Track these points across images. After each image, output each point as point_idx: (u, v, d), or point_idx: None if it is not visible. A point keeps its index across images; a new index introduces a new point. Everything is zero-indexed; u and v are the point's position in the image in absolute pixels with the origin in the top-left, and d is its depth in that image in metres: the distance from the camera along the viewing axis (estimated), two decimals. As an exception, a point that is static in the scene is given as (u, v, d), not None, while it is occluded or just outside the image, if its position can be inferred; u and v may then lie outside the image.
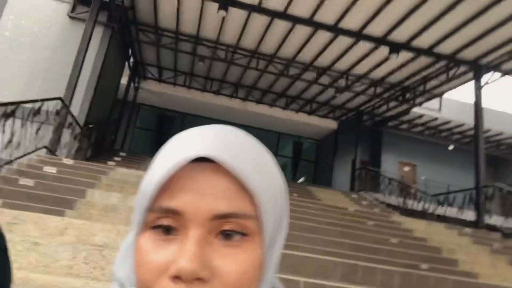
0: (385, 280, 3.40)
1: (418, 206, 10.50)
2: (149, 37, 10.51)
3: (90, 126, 8.40)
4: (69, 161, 5.96)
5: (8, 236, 2.29)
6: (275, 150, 16.30)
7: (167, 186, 0.41)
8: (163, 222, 0.41)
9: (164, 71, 13.37)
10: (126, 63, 11.85)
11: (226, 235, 0.41)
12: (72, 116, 7.21)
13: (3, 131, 4.79)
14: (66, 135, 7.06)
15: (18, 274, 1.78)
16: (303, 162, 17.19)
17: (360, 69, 10.63)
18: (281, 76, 11.69)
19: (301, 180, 16.61)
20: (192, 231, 0.40)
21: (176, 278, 0.38)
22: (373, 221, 6.37)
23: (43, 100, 5.89)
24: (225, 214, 0.40)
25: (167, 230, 0.41)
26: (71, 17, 8.69)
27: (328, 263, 3.41)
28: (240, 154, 0.43)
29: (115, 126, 12.61)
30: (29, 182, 4.29)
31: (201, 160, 0.42)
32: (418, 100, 11.79)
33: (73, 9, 8.74)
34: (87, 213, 3.67)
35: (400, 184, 12.18)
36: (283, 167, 16.63)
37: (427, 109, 13.60)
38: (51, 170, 5.09)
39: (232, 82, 13.48)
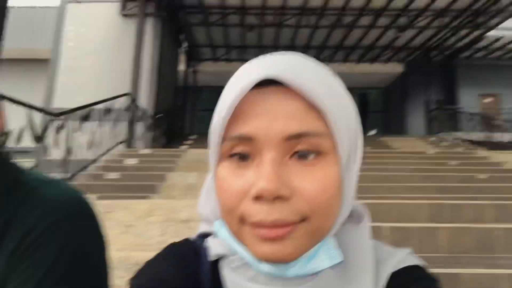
0: (477, 215, 3.20)
1: (505, 137, 9.61)
2: (198, 18, 10.63)
3: (159, 116, 8.85)
4: (146, 151, 6.38)
5: (105, 223, 2.52)
6: (341, 106, 15.80)
7: (237, 113, 0.41)
8: (238, 150, 0.42)
9: (216, 49, 13.51)
10: (180, 49, 12.16)
11: (301, 155, 0.41)
12: (141, 109, 7.65)
13: (84, 133, 5.23)
14: (139, 128, 7.53)
15: (118, 254, 1.96)
16: (372, 114, 16.54)
17: (421, 1, 9.75)
18: (335, 28, 11.19)
19: (372, 132, 16.05)
20: (266, 154, 0.40)
21: (258, 198, 0.39)
22: (457, 160, 5.98)
23: (112, 98, 6.30)
24: (297, 134, 0.40)
25: (243, 157, 0.42)
26: (123, 15, 9.07)
27: (412, 206, 3.29)
28: (308, 74, 0.42)
29: (181, 112, 13.16)
30: (115, 175, 4.69)
31: (269, 84, 0.42)
32: (492, 22, 10.56)
33: (123, 7, 9.09)
34: (170, 194, 3.94)
35: (482, 117, 11.22)
36: (352, 122, 16.10)
37: (505, 30, 12.14)
38: (131, 161, 5.50)
39: (285, 46, 13.20)
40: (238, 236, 0.44)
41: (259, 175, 0.40)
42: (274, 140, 0.40)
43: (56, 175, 4.51)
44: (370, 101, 15.61)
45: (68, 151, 4.76)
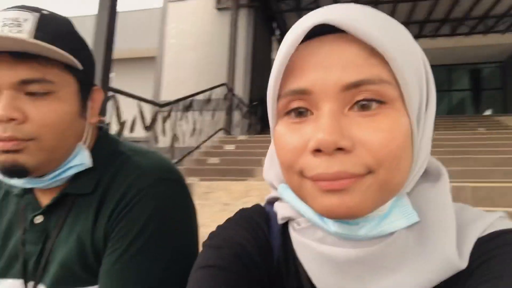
0: None
1: None
2: (289, 4, 10.60)
3: (254, 103, 9.09)
4: (243, 137, 6.62)
5: (205, 202, 2.67)
6: (448, 85, 14.44)
7: (292, 67, 0.40)
8: (294, 105, 0.40)
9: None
10: (273, 37, 12.28)
11: (362, 105, 0.38)
12: (238, 97, 7.95)
13: (187, 122, 5.62)
14: (236, 116, 7.84)
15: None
16: (486, 92, 14.75)
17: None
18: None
19: (487, 112, 14.33)
20: (324, 106, 0.38)
21: (317, 151, 0.37)
22: None
23: (211, 88, 6.65)
24: (356, 82, 0.37)
25: (300, 113, 0.40)
26: (218, 9, 9.46)
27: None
28: (367, 18, 0.38)
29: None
30: (215, 160, 4.97)
31: (325, 34, 0.39)
32: None
33: (218, 1, 9.47)
34: (265, 178, 4.04)
35: None
36: (461, 103, 14.63)
37: None
38: (230, 147, 5.77)
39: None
40: (299, 192, 0.42)
41: (317, 128, 0.37)
42: (331, 91, 0.38)
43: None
44: (483, 78, 13.93)
45: (174, 138, 5.17)
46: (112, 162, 0.70)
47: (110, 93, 3.75)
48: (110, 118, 3.82)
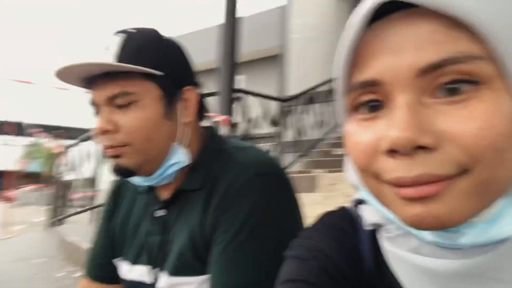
0: None
1: None
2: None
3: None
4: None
5: (330, 193, 2.69)
6: None
7: (358, 55, 0.35)
8: (364, 99, 0.36)
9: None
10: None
11: (448, 89, 0.32)
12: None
13: (311, 115, 5.67)
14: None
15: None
16: None
17: None
18: None
19: None
20: (397, 97, 0.33)
21: (392, 152, 0.32)
22: None
23: (332, 80, 6.57)
24: (435, 63, 0.31)
25: (372, 107, 0.35)
26: (338, -1, 9.25)
27: None
28: None
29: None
30: (340, 151, 4.90)
31: (391, 12, 0.34)
32: None
33: (338, -10, 9.27)
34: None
35: None
36: None
37: None
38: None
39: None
40: (379, 198, 0.37)
41: (391, 125, 0.32)
42: (405, 78, 0.32)
43: (290, 154, 5.10)
44: None
45: (299, 132, 5.27)
46: (217, 159, 0.76)
47: (237, 95, 4.03)
48: (238, 117, 4.11)
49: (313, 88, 5.77)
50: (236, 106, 3.99)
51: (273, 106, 4.70)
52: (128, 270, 0.82)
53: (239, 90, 4.07)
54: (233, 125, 3.92)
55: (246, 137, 4.27)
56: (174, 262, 0.73)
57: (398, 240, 0.39)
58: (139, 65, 0.68)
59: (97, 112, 0.72)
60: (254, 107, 4.35)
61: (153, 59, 0.71)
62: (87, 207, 5.15)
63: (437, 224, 0.32)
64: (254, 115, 4.34)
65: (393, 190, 0.34)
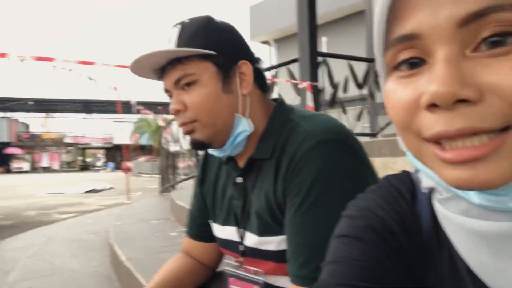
0: None
1: None
2: None
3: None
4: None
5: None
6: None
7: (394, 10, 0.34)
8: (403, 56, 0.34)
9: None
10: None
11: (493, 42, 0.30)
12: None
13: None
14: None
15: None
16: None
17: None
18: None
19: None
20: (437, 52, 0.31)
21: (433, 107, 0.31)
22: None
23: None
24: (476, 12, 0.29)
25: (412, 64, 0.34)
26: None
27: None
28: None
29: None
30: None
31: None
32: None
33: None
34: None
35: None
36: None
37: None
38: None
39: None
40: (421, 159, 0.36)
41: (431, 80, 0.31)
42: (445, 31, 0.30)
43: (383, 116, 4.90)
44: None
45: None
46: (283, 129, 0.80)
47: (320, 58, 3.98)
48: (323, 82, 4.07)
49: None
50: (320, 71, 3.95)
51: (361, 67, 4.53)
52: (219, 230, 0.92)
53: (322, 54, 4.00)
54: (319, 91, 3.90)
55: (333, 101, 4.22)
56: (255, 224, 0.81)
57: (449, 203, 0.39)
58: (194, 48, 0.77)
59: (170, 97, 0.82)
60: (340, 69, 4.26)
61: (206, 41, 0.78)
62: (191, 175, 5.67)
63: (483, 186, 0.31)
64: (340, 78, 4.26)
65: (434, 151, 0.33)
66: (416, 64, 0.33)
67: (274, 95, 4.05)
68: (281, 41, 14.05)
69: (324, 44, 7.45)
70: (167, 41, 0.81)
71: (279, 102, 0.88)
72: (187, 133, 0.82)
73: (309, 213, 0.70)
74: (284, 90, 4.18)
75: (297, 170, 0.73)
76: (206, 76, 0.79)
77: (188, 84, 0.79)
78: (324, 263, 0.46)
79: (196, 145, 0.83)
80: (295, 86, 3.92)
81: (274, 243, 0.79)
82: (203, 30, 0.80)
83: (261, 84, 0.87)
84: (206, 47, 0.78)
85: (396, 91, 0.35)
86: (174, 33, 0.80)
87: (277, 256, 0.79)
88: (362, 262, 0.41)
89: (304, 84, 3.71)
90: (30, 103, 32.31)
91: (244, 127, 0.81)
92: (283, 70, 4.20)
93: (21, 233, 4.82)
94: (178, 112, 0.80)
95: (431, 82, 0.31)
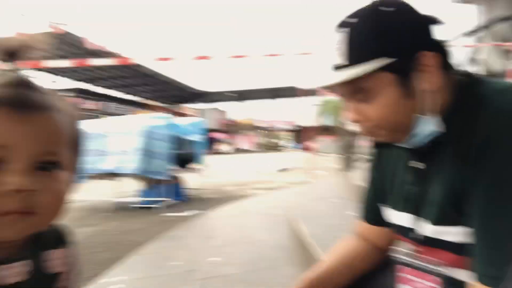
0: None
1: None
2: None
3: None
4: None
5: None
6: None
7: None
8: None
9: None
10: None
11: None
12: None
13: None
14: None
15: None
16: None
17: None
18: None
19: None
20: None
21: None
22: None
23: None
24: None
25: None
26: None
27: None
28: None
29: None
30: None
31: None
32: None
33: None
34: None
35: None
36: None
37: None
38: None
39: None
40: None
41: None
42: None
43: None
44: None
45: None
46: (471, 107, 0.70)
47: None
48: None
49: None
50: None
51: None
52: (393, 216, 0.89)
53: None
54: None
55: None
56: (434, 212, 0.75)
57: None
58: (367, 60, 0.70)
59: (345, 101, 0.79)
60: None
61: (380, 48, 0.71)
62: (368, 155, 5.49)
63: None
64: None
65: None
66: None
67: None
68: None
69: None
70: (335, 48, 0.75)
71: (466, 75, 0.77)
72: (372, 137, 0.83)
73: (503, 206, 0.63)
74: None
75: (488, 155, 0.65)
76: (383, 86, 0.72)
77: (366, 98, 0.74)
78: None
79: (380, 146, 0.85)
80: (505, 51, 3.23)
81: (453, 233, 0.73)
82: (372, 34, 0.72)
83: (447, 67, 0.76)
84: (382, 53, 0.71)
85: None
86: (342, 40, 0.74)
87: (457, 248, 0.73)
88: None
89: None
90: (232, 95, 37.26)
91: (429, 126, 0.74)
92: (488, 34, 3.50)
93: (223, 205, 5.64)
94: (357, 121, 0.79)
95: None
